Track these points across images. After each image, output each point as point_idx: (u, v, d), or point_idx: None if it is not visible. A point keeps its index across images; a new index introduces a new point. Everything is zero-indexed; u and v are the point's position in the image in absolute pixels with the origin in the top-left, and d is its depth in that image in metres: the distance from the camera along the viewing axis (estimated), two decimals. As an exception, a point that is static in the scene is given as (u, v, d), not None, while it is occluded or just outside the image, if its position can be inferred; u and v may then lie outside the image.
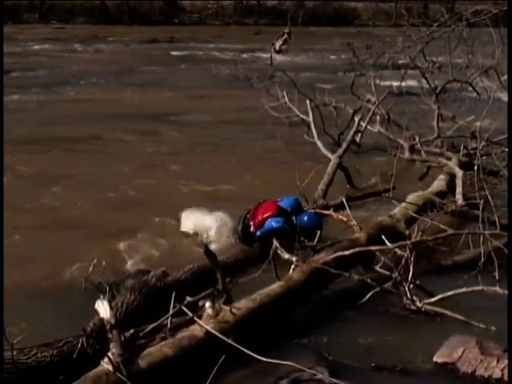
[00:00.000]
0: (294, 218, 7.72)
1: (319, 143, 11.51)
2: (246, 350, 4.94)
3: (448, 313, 6.11)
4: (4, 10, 46.75)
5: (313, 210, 8.27)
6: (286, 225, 7.56)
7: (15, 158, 11.54)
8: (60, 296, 6.62)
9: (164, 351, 4.98)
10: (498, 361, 5.24)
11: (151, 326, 5.26)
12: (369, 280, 6.48)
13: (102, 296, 5.23)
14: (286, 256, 6.79)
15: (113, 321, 5.00)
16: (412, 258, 6.46)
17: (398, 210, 8.00)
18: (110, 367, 4.62)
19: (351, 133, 11.54)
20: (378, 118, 13.00)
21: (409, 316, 6.29)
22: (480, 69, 14.32)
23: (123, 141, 13.92)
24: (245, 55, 30.81)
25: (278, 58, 24.98)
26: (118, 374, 4.59)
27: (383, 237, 6.92)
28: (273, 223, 7.63)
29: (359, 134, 12.32)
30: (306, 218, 7.81)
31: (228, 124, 15.68)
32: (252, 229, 7.72)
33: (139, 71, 25.72)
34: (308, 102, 13.01)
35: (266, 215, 7.72)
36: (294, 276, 6.31)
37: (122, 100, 19.12)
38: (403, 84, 14.40)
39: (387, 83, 14.73)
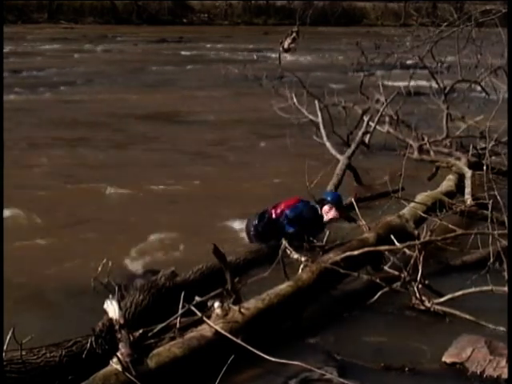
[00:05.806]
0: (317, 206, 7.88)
1: (328, 144, 11.51)
2: (254, 350, 4.94)
3: (457, 313, 6.11)
4: (13, 10, 46.97)
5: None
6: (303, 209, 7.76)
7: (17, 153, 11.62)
8: (69, 296, 6.63)
9: (173, 351, 4.99)
10: (507, 361, 5.24)
11: (160, 326, 5.27)
12: (378, 280, 6.48)
13: (111, 296, 5.24)
14: (295, 256, 6.79)
15: (122, 321, 5.01)
16: (421, 258, 6.45)
17: (406, 210, 8.00)
18: (119, 367, 4.64)
19: (360, 133, 11.54)
20: (386, 118, 12.98)
21: (417, 316, 6.30)
22: (489, 69, 14.30)
23: (133, 141, 13.95)
24: (254, 55, 30.79)
25: (287, 57, 24.97)
26: (127, 374, 4.60)
27: (392, 237, 6.92)
28: (287, 213, 7.74)
29: (368, 135, 12.30)
30: (329, 196, 8.04)
31: (237, 124, 15.66)
32: (273, 216, 7.80)
33: (148, 71, 25.75)
34: (317, 102, 12.99)
35: (286, 205, 7.83)
36: (303, 276, 6.32)
37: (130, 100, 19.13)
38: (412, 84, 14.39)
39: (396, 83, 14.70)
